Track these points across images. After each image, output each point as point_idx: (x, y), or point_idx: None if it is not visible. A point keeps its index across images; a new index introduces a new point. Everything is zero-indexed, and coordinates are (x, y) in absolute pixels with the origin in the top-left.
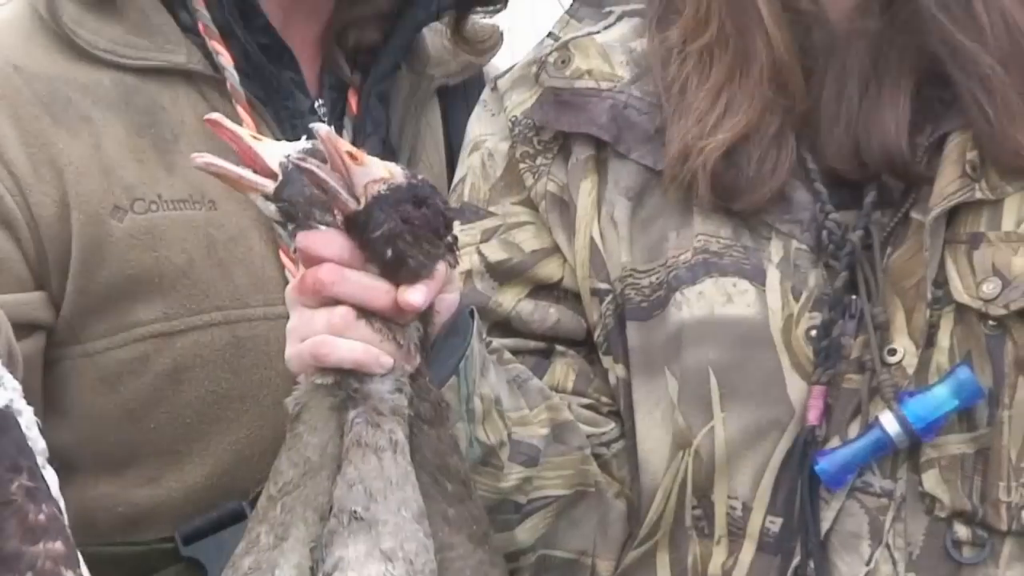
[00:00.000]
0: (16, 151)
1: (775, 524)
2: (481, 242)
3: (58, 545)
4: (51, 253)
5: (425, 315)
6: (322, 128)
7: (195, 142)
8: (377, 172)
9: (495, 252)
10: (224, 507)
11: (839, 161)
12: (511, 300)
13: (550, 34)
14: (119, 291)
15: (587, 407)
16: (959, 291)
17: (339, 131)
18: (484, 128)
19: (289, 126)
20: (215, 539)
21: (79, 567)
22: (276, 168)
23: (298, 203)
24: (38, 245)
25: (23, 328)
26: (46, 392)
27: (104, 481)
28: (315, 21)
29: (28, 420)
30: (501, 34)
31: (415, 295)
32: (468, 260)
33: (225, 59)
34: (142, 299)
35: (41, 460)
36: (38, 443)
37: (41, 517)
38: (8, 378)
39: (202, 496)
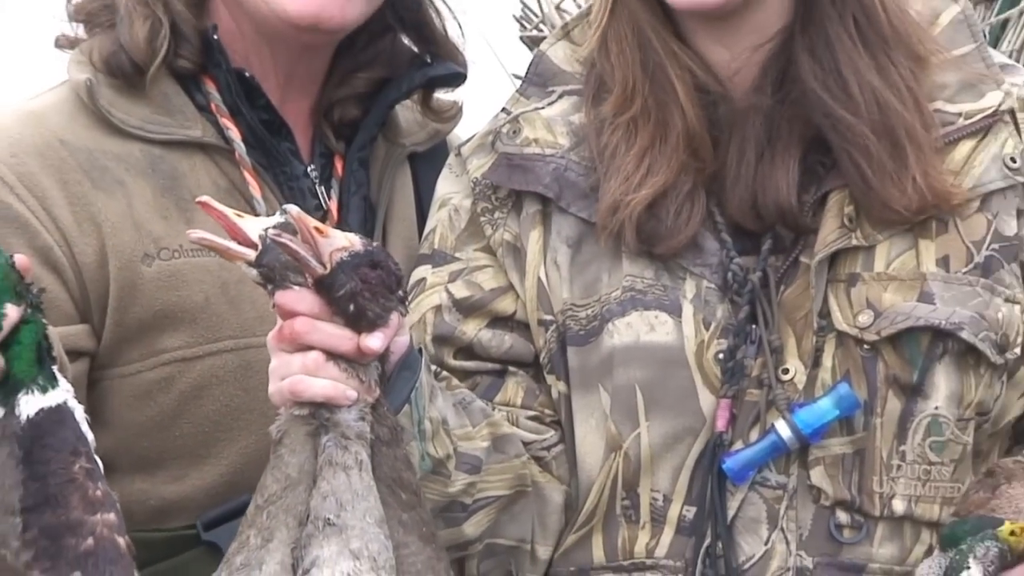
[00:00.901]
0: (63, 210)
1: (690, 512)
2: (448, 282)
3: (111, 516)
4: (92, 293)
5: (382, 355)
6: (292, 208)
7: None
8: (339, 242)
9: (460, 290)
10: (237, 500)
11: (741, 215)
12: (473, 329)
13: (503, 109)
14: (148, 324)
15: (532, 418)
16: (839, 321)
17: (328, 191)
18: (450, 187)
19: (287, 188)
20: (229, 526)
21: (126, 535)
22: (256, 240)
23: (275, 268)
24: (82, 287)
25: (70, 355)
26: (89, 407)
27: (138, 479)
28: (307, 99)
29: (80, 416)
30: (460, 107)
31: (374, 341)
32: (437, 296)
33: (234, 133)
34: (168, 330)
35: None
36: (88, 435)
37: (98, 493)
38: (63, 380)
39: (219, 491)
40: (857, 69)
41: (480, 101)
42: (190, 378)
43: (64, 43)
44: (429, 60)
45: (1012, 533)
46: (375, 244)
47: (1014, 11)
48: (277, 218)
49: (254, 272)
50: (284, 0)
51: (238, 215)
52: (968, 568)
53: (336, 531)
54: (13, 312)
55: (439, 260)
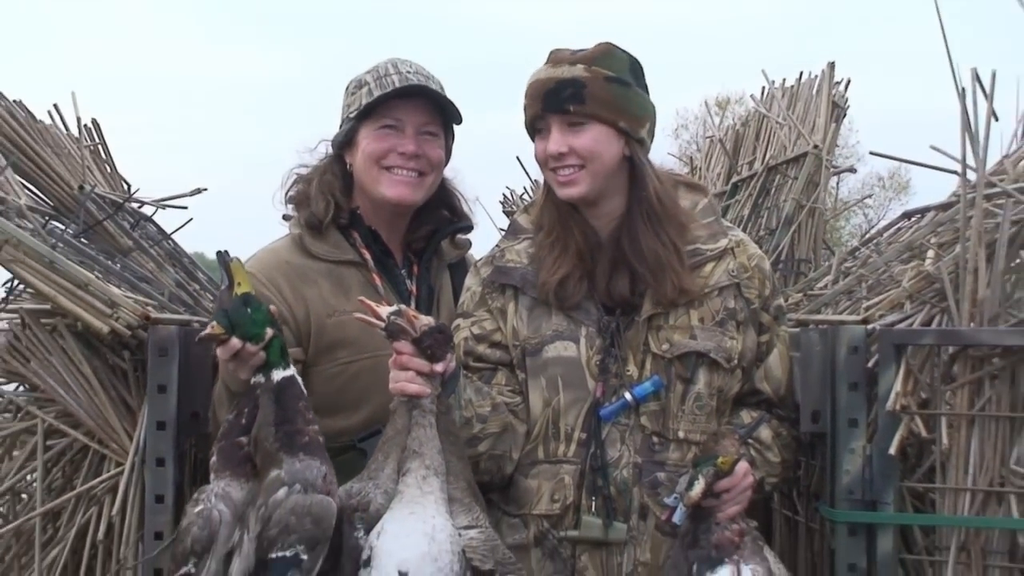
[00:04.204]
0: (287, 294)
1: (584, 435)
2: (471, 326)
3: (316, 427)
4: (303, 332)
5: (443, 372)
6: (402, 306)
7: (357, 291)
8: (424, 321)
9: (476, 330)
10: (371, 429)
11: (605, 299)
12: (482, 348)
13: (497, 245)
14: (329, 346)
15: (510, 391)
16: (653, 348)
17: (411, 281)
18: (472, 281)
19: (393, 281)
20: (369, 441)
21: (322, 436)
22: (385, 318)
23: (393, 332)
24: (298, 330)
25: (295, 362)
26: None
27: (327, 419)
28: (399, 238)
29: (300, 382)
30: (470, 243)
31: (439, 367)
32: (465, 332)
33: (367, 257)
34: (338, 349)
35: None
36: (304, 390)
37: (310, 415)
38: (292, 364)
39: (363, 425)
40: (646, 237)
41: (484, 240)
42: (349, 372)
43: (289, 219)
44: (454, 218)
45: (722, 461)
46: (441, 322)
47: (732, 200)
48: (395, 308)
49: (383, 333)
50: (385, 190)
51: (377, 305)
52: (698, 479)
53: (418, 456)
54: (269, 331)
55: (466, 316)
